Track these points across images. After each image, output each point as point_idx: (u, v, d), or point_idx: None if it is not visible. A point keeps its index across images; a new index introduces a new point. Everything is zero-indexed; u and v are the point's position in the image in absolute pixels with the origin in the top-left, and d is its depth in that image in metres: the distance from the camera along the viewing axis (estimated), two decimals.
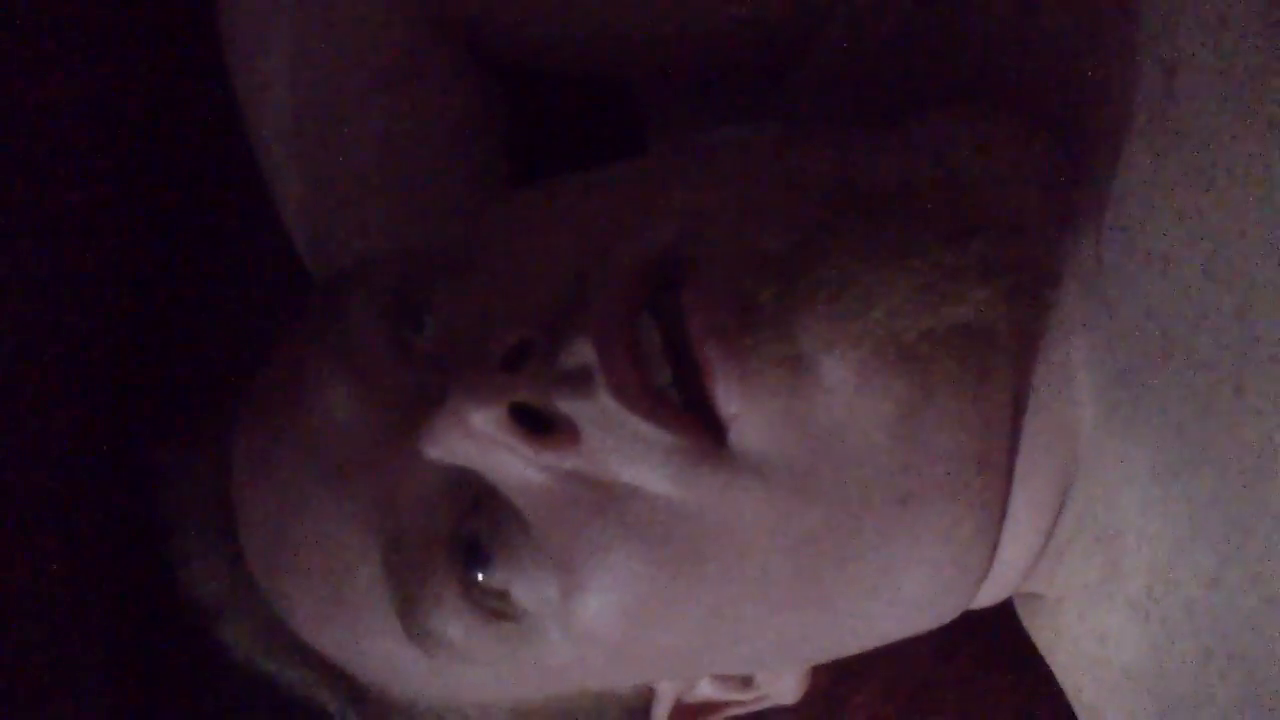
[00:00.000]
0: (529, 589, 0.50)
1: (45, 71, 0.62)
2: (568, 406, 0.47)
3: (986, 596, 0.56)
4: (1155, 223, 0.50)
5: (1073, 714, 0.58)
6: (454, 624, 0.51)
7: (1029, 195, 0.52)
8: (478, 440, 0.48)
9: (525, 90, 0.67)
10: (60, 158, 0.62)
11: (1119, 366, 0.50)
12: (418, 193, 0.64)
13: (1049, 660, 0.58)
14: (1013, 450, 0.51)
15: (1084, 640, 0.55)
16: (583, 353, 0.47)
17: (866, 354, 0.47)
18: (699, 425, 0.48)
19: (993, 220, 0.50)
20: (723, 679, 0.58)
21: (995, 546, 0.52)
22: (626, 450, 0.48)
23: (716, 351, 0.47)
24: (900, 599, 0.52)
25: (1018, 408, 0.51)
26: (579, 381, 0.47)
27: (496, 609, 0.50)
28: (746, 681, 0.58)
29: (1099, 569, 0.53)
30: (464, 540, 0.50)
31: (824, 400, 0.47)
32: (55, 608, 0.59)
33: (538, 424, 0.48)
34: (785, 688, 0.58)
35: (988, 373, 0.49)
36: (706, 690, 0.58)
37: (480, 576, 0.50)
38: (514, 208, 0.55)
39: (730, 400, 0.47)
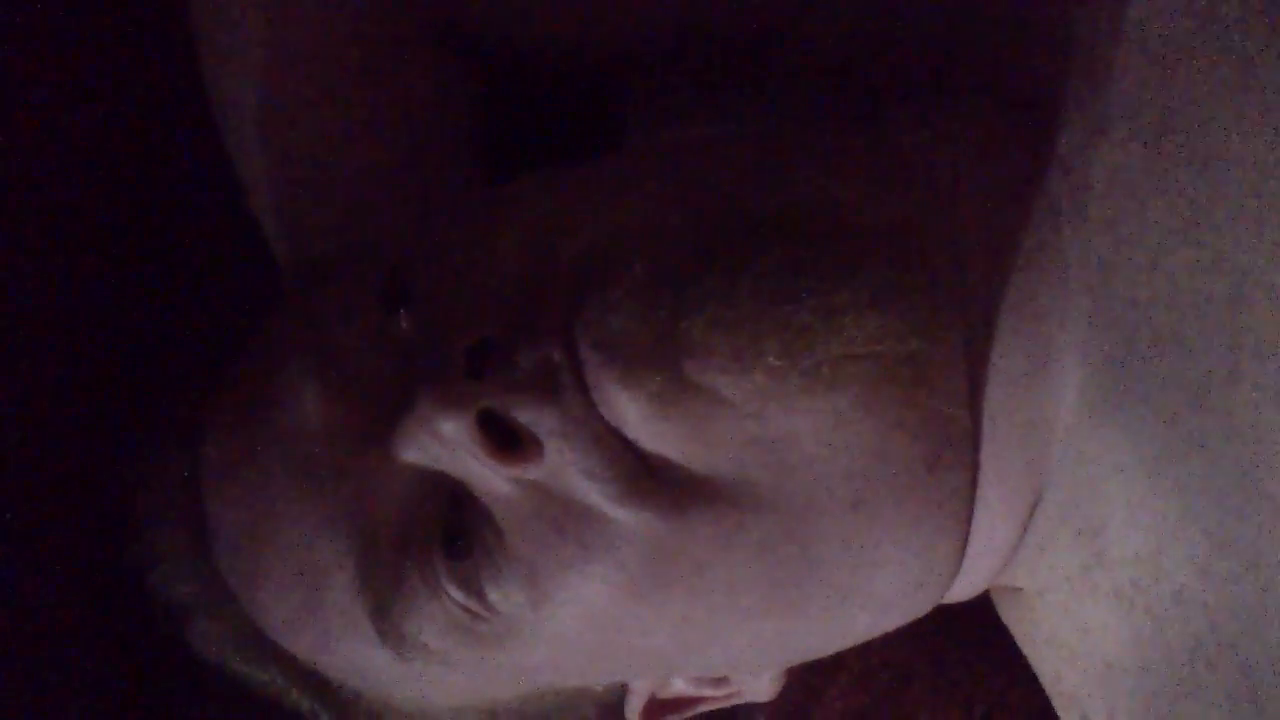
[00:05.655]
0: (501, 591, 0.50)
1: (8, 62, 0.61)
2: (529, 416, 0.47)
3: (961, 591, 0.56)
4: (1145, 212, 0.49)
5: (1046, 700, 0.58)
6: (427, 627, 0.51)
7: (1001, 199, 0.52)
8: (448, 446, 0.48)
9: (503, 82, 0.66)
10: (19, 153, 0.61)
11: (1107, 356, 0.50)
12: (390, 184, 0.63)
13: (1026, 652, 0.58)
14: (973, 447, 0.50)
15: (1065, 632, 0.55)
16: (544, 354, 0.47)
17: (762, 380, 0.47)
18: (633, 449, 0.48)
19: (941, 245, 0.50)
20: (697, 676, 0.58)
21: (965, 541, 0.52)
22: (582, 463, 0.48)
23: (604, 374, 0.47)
24: (871, 600, 0.51)
25: (974, 404, 0.50)
26: (541, 384, 0.47)
27: (469, 609, 0.50)
28: (721, 679, 0.58)
29: (1082, 561, 0.52)
30: (443, 537, 0.50)
31: (734, 419, 0.47)
32: (23, 609, 0.59)
33: (506, 436, 0.48)
34: (760, 686, 0.58)
35: (923, 376, 0.48)
36: (681, 686, 0.58)
37: (457, 579, 0.50)
38: (483, 204, 0.55)
39: (637, 426, 0.47)
